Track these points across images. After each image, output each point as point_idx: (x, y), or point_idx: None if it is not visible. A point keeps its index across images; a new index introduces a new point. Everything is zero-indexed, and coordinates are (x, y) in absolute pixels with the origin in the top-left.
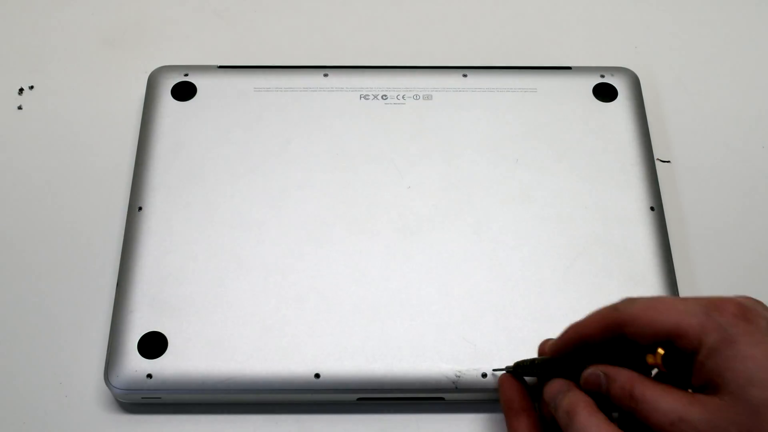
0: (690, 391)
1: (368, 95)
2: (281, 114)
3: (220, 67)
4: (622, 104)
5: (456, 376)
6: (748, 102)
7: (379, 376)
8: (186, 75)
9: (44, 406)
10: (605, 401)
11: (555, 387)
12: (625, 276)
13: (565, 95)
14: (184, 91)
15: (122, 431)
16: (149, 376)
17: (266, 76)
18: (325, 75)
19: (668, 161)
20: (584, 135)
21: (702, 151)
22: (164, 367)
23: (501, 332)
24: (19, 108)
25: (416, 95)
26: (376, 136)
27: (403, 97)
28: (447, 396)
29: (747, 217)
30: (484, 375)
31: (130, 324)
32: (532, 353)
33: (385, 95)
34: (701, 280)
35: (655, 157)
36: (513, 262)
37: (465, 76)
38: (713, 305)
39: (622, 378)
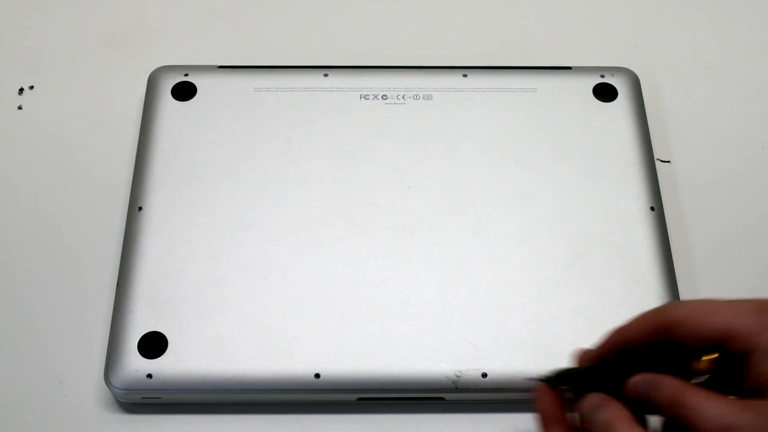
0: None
1: (368, 95)
2: (281, 114)
3: (220, 67)
4: (622, 104)
5: (456, 376)
6: (748, 102)
7: (379, 376)
8: (186, 75)
9: (44, 406)
10: (650, 409)
11: (592, 401)
12: (625, 276)
13: (565, 95)
14: (184, 91)
15: (122, 431)
16: (149, 376)
17: (266, 76)
18: (325, 75)
19: (668, 161)
20: (584, 135)
21: (702, 151)
22: (164, 367)
23: (501, 332)
24: (19, 108)
25: (416, 95)
26: (376, 136)
27: (403, 97)
28: (447, 396)
29: (747, 217)
30: (484, 375)
31: (130, 324)
32: (532, 353)
33: (385, 95)
34: (701, 280)
35: (655, 157)
36: (513, 262)
37: (465, 76)
38: (763, 307)
39: (669, 385)
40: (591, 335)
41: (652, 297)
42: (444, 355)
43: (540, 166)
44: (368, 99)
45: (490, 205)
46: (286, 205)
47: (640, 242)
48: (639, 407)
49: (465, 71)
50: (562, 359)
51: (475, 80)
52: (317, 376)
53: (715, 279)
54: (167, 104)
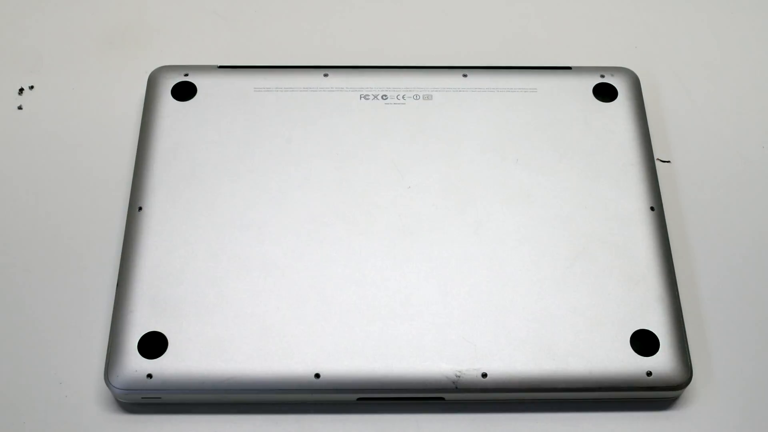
0: None
1: (368, 95)
2: (281, 114)
3: (220, 67)
4: (622, 104)
5: (456, 376)
6: (749, 102)
7: (379, 376)
8: (186, 75)
9: (44, 406)
10: None
11: None
12: (625, 276)
13: (565, 95)
14: (184, 91)
15: (122, 431)
16: (149, 376)
17: (266, 76)
18: (325, 75)
19: (668, 161)
20: (584, 135)
21: (702, 151)
22: (164, 367)
23: (501, 332)
24: (19, 108)
25: (416, 95)
26: (376, 136)
27: (403, 97)
28: (447, 396)
29: (747, 217)
30: (484, 375)
31: (130, 324)
32: (532, 353)
33: (385, 95)
34: (701, 280)
35: (655, 157)
36: (513, 262)
37: (465, 76)
38: None
39: None
40: (591, 335)
41: (652, 297)
42: (444, 355)
43: (540, 166)
44: (368, 99)
45: (490, 205)
46: (286, 205)
47: (640, 242)
48: None
49: (465, 71)
50: (562, 359)
51: (475, 80)
52: (317, 376)
53: (715, 279)
54: (167, 104)
